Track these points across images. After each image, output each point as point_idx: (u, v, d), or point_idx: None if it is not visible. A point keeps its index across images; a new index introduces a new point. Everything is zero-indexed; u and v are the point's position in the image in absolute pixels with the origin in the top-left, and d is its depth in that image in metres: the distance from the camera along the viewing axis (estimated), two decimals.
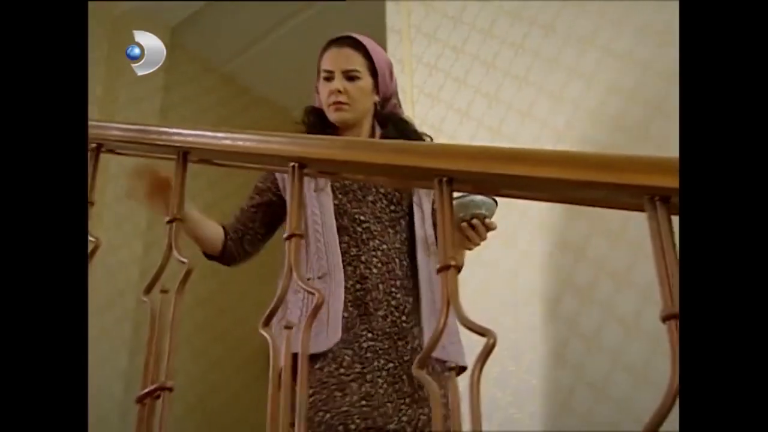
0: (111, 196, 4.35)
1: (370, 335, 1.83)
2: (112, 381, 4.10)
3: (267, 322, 1.14)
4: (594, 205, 0.92)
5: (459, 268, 1.01)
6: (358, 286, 1.87)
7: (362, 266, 1.88)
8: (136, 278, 4.40)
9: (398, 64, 3.48)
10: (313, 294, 1.12)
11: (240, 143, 1.35)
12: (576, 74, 2.95)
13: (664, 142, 2.60)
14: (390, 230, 1.94)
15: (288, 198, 1.77)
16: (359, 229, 1.92)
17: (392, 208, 1.96)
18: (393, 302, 1.87)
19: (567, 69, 2.98)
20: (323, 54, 2.07)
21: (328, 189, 1.92)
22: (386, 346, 1.83)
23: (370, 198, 1.95)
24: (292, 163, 1.23)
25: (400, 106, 2.17)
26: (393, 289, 1.88)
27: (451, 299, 0.97)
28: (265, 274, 5.11)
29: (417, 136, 2.06)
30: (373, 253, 1.90)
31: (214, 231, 2.01)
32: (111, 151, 1.57)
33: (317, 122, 2.04)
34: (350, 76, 2.00)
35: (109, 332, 4.16)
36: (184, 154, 1.39)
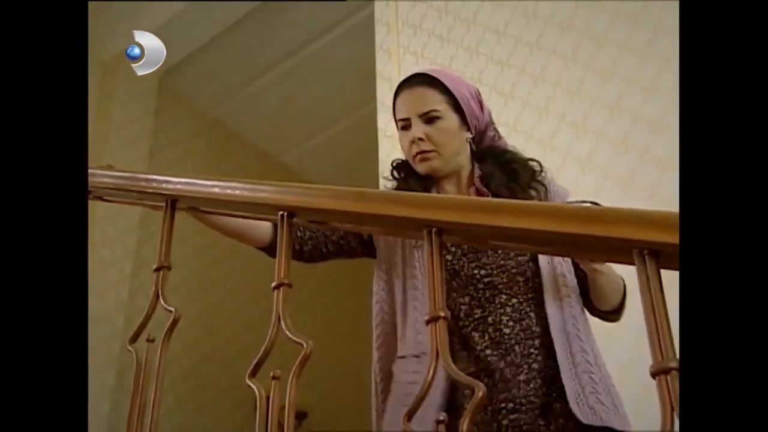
0: (97, 241, 4.35)
1: (511, 406, 1.51)
2: (94, 428, 4.04)
3: (254, 373, 1.14)
4: (583, 258, 0.93)
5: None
6: (488, 351, 1.54)
7: (491, 329, 1.56)
8: (121, 324, 4.37)
9: (386, 111, 3.51)
10: (301, 344, 1.11)
11: (229, 191, 1.36)
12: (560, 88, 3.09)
13: (651, 189, 2.66)
14: (519, 278, 1.61)
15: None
16: (480, 286, 1.60)
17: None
18: (534, 365, 1.54)
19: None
20: (395, 101, 1.80)
21: None
22: (530, 420, 1.50)
23: None
24: (281, 212, 1.23)
25: (500, 137, 1.85)
26: (532, 350, 1.55)
27: (440, 351, 0.96)
28: (251, 320, 5.13)
29: (522, 164, 1.75)
30: (502, 310, 1.58)
31: (251, 227, 1.70)
32: (99, 198, 1.57)
33: (409, 176, 1.78)
34: (429, 118, 1.71)
35: (93, 378, 4.11)
36: (173, 202, 1.40)
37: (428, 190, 1.75)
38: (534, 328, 1.57)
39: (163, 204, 1.41)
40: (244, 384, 1.14)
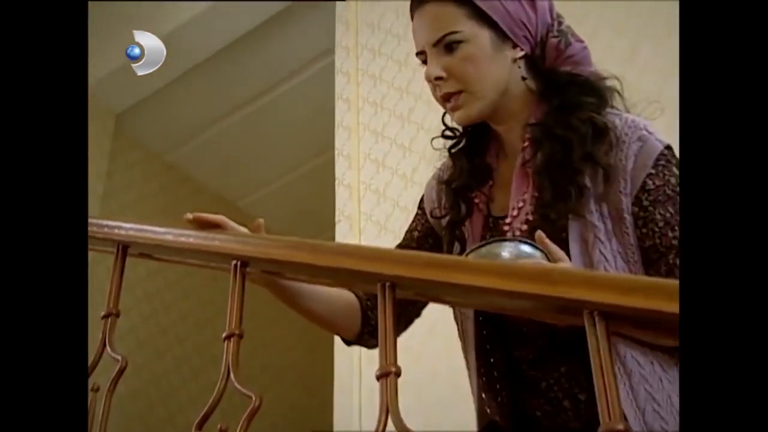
0: None
1: None
2: None
3: (201, 425, 1.12)
4: (533, 317, 0.95)
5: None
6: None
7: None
8: None
9: (345, 159, 3.54)
10: (250, 397, 1.10)
11: (182, 239, 1.35)
12: None
13: None
14: (557, 355, 1.23)
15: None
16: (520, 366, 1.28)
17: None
18: None
19: None
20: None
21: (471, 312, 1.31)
22: None
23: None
24: (234, 262, 1.23)
25: (568, 42, 1.31)
26: None
27: (390, 407, 0.96)
28: (201, 367, 5.05)
29: (590, 114, 1.25)
30: (537, 402, 1.26)
31: (339, 304, 1.41)
32: None
33: (462, 133, 1.41)
34: (447, 45, 1.25)
35: None
36: (124, 248, 1.38)
37: (485, 151, 1.38)
38: (573, 423, 1.22)
39: (114, 250, 1.39)
40: None
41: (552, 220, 1.21)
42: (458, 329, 1.39)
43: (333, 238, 3.40)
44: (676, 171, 1.22)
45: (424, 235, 1.47)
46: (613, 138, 1.23)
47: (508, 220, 1.30)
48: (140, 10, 4.33)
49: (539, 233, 1.10)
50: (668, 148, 1.23)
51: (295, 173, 5.77)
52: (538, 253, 1.10)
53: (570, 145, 1.23)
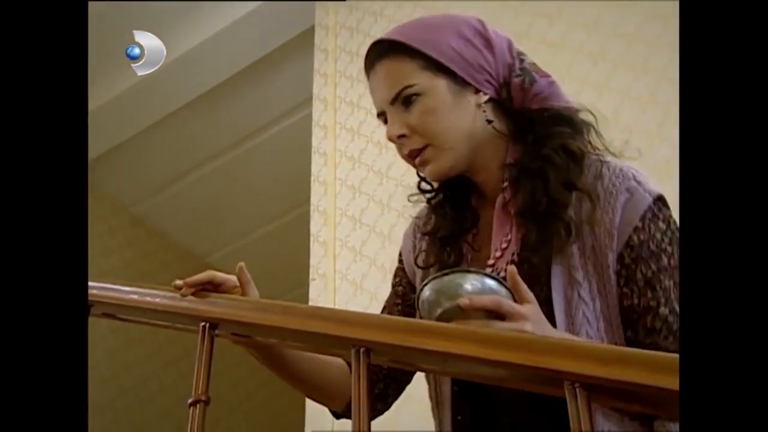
0: None
1: None
2: None
3: None
4: (512, 386, 0.95)
5: None
6: None
7: None
8: None
9: (321, 215, 3.55)
10: None
11: (148, 299, 1.35)
12: None
13: None
14: (539, 423, 1.18)
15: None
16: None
17: None
18: None
19: None
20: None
21: None
22: None
23: None
24: (202, 323, 1.23)
25: (532, 80, 1.29)
26: None
27: None
28: None
29: (563, 145, 1.25)
30: None
31: (330, 372, 1.35)
32: None
33: (440, 190, 1.39)
34: (405, 101, 1.26)
35: None
36: (87, 308, 1.38)
37: (467, 202, 1.37)
38: None
39: None
40: None
41: (534, 265, 1.19)
42: (430, 389, 1.36)
43: (306, 296, 3.39)
44: (662, 225, 1.21)
45: (410, 290, 1.43)
46: (600, 189, 1.22)
47: (491, 261, 1.27)
48: (108, 59, 4.36)
49: (512, 269, 1.07)
50: (658, 199, 1.22)
51: (267, 228, 5.76)
52: (503, 290, 1.07)
53: (547, 177, 1.23)
